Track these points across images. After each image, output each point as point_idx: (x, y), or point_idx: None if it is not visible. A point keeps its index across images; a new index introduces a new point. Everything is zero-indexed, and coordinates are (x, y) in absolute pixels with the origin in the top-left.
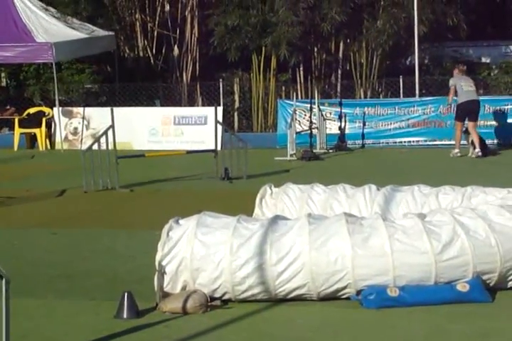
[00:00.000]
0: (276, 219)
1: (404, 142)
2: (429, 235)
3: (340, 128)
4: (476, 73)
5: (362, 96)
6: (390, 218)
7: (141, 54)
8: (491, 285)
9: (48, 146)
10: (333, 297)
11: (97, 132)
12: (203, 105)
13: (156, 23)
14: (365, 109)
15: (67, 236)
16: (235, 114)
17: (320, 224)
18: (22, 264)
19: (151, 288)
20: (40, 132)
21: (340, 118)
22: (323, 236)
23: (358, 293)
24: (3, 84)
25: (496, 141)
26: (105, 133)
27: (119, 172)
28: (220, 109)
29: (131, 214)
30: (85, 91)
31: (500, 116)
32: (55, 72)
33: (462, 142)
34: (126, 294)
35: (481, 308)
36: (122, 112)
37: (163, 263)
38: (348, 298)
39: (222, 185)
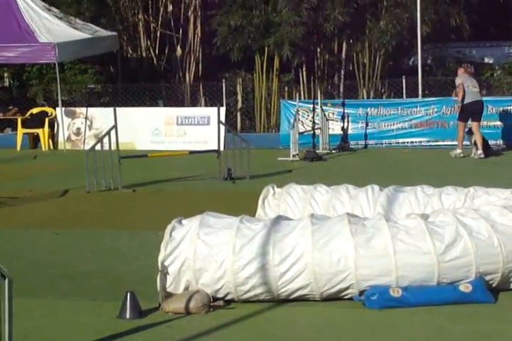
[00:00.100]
0: (279, 219)
1: (407, 142)
2: (432, 236)
3: (342, 128)
4: (479, 74)
5: (365, 96)
6: (392, 218)
7: (144, 54)
8: (494, 285)
9: (51, 146)
10: (335, 297)
11: (99, 132)
12: (206, 105)
13: (159, 23)
14: (368, 109)
15: (69, 236)
16: (238, 114)
17: (323, 224)
18: (24, 264)
19: (154, 289)
20: (43, 132)
21: (343, 118)
22: (325, 236)
23: (361, 293)
24: (6, 84)
25: (498, 142)
26: (108, 133)
27: (121, 172)
28: (222, 109)
29: (134, 215)
30: (88, 91)
31: (503, 116)
32: (57, 73)
33: (465, 143)
34: (128, 294)
35: (484, 309)
36: (125, 112)
37: (166, 263)
38: (350, 299)
39: (225, 186)
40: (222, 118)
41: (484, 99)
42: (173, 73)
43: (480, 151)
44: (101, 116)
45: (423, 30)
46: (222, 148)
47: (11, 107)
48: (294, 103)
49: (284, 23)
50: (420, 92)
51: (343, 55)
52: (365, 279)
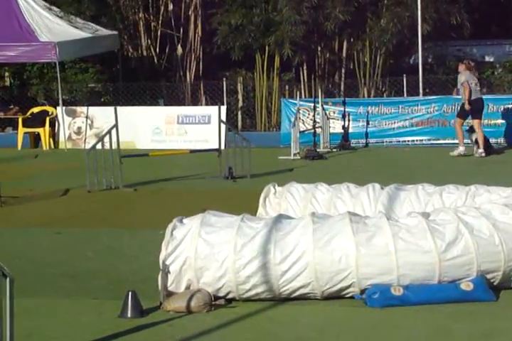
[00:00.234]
0: (280, 218)
1: (408, 141)
2: (433, 234)
3: (343, 127)
4: (479, 72)
5: (365, 95)
6: (393, 217)
7: (144, 53)
8: (495, 284)
9: (52, 146)
10: (337, 296)
11: (100, 131)
12: (207, 104)
13: (160, 22)
14: (369, 108)
15: (70, 235)
16: (239, 113)
17: (324, 223)
18: (25, 263)
19: (155, 288)
20: (44, 131)
21: (343, 117)
22: (327, 235)
23: (362, 292)
24: (7, 83)
25: (499, 140)
26: (109, 132)
27: (122, 171)
28: (223, 108)
29: (135, 214)
30: (89, 90)
31: (504, 115)
32: (58, 72)
33: (466, 140)
34: (130, 293)
35: (485, 307)
36: (126, 111)
37: (167, 262)
38: (352, 297)
39: (226, 184)
40: (223, 117)
41: (485, 97)
42: (174, 72)
43: (481, 150)
44: (102, 115)
45: (424, 28)
46: (223, 147)
47: (11, 106)
48: (295, 102)
49: (284, 21)
50: (421, 91)
51: (344, 54)
52: (367, 278)
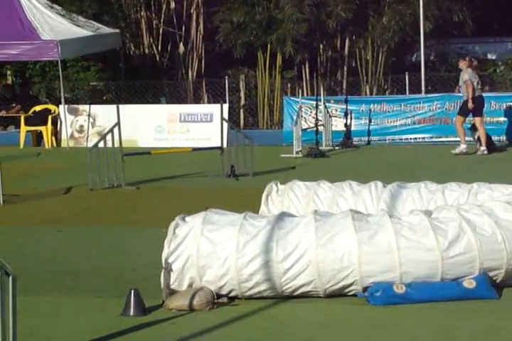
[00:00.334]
0: (282, 216)
1: (410, 139)
2: (435, 232)
3: (346, 125)
4: (482, 69)
5: (368, 93)
6: (396, 215)
7: (146, 51)
8: (498, 281)
9: (54, 144)
10: (339, 294)
11: (102, 130)
12: (209, 102)
13: (162, 20)
14: (371, 105)
15: (73, 233)
16: (241, 111)
17: (326, 221)
18: (28, 262)
19: (158, 286)
20: (46, 130)
21: (346, 115)
22: (329, 233)
23: (365, 289)
24: (9, 81)
25: (502, 138)
26: (111, 130)
27: (124, 169)
28: (225, 106)
29: (137, 212)
30: (91, 88)
31: (506, 112)
32: (60, 70)
33: (468, 138)
34: (132, 291)
35: (488, 305)
36: (128, 110)
37: (170, 260)
38: (354, 295)
39: (228, 182)
40: (225, 115)
41: (487, 95)
42: (176, 70)
43: (483, 147)
44: (104, 114)
45: (426, 26)
46: (225, 145)
47: (13, 105)
48: (297, 100)
49: (286, 19)
50: (423, 88)
51: (346, 52)
52: (369, 275)
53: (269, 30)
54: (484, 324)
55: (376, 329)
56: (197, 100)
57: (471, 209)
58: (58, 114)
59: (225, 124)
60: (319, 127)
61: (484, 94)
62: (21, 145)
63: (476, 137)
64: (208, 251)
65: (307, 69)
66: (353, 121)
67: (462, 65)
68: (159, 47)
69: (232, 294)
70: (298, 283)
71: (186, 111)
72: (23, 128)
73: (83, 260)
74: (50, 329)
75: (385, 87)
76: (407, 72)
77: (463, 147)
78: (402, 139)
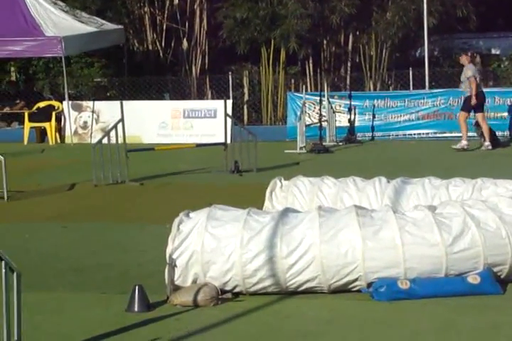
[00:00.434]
0: (286, 211)
1: (414, 134)
2: (439, 227)
3: (349, 120)
4: (486, 65)
5: (371, 88)
6: (400, 210)
7: (150, 47)
8: (502, 277)
9: (58, 140)
10: (343, 289)
11: (106, 126)
12: (213, 98)
13: (165, 16)
14: (375, 101)
15: (77, 230)
16: (245, 107)
17: (330, 216)
18: (32, 258)
19: (162, 282)
20: (50, 126)
21: (349, 110)
22: (333, 228)
23: (369, 285)
24: (13, 78)
25: (506, 133)
26: (115, 126)
27: (128, 165)
28: (229, 102)
29: (141, 208)
30: (95, 85)
31: (510, 108)
32: (64, 66)
33: (472, 134)
34: (137, 287)
35: (492, 300)
36: (132, 106)
37: (174, 256)
38: (358, 291)
39: (232, 178)
40: (229, 111)
41: (491, 90)
42: (180, 66)
43: (487, 143)
44: (107, 110)
45: (430, 21)
46: (229, 141)
47: (17, 101)
48: (301, 95)
49: (290, 15)
50: (427, 84)
51: (350, 47)
52: (373, 271)
53: (273, 26)
54: (488, 319)
55: (380, 324)
56: (200, 96)
57: (475, 205)
58: (62, 110)
59: (229, 120)
60: (323, 123)
61: (488, 90)
62: (25, 142)
63: (480, 133)
64: (212, 247)
65: (311, 65)
66: (356, 116)
67: (464, 60)
68: (163, 43)
69: (237, 290)
70: (302, 278)
71: (190, 107)
72: (27, 125)
73: (87, 256)
74: (55, 325)
75: (389, 82)
76: (410, 68)
77: (464, 143)
78: (406, 135)
